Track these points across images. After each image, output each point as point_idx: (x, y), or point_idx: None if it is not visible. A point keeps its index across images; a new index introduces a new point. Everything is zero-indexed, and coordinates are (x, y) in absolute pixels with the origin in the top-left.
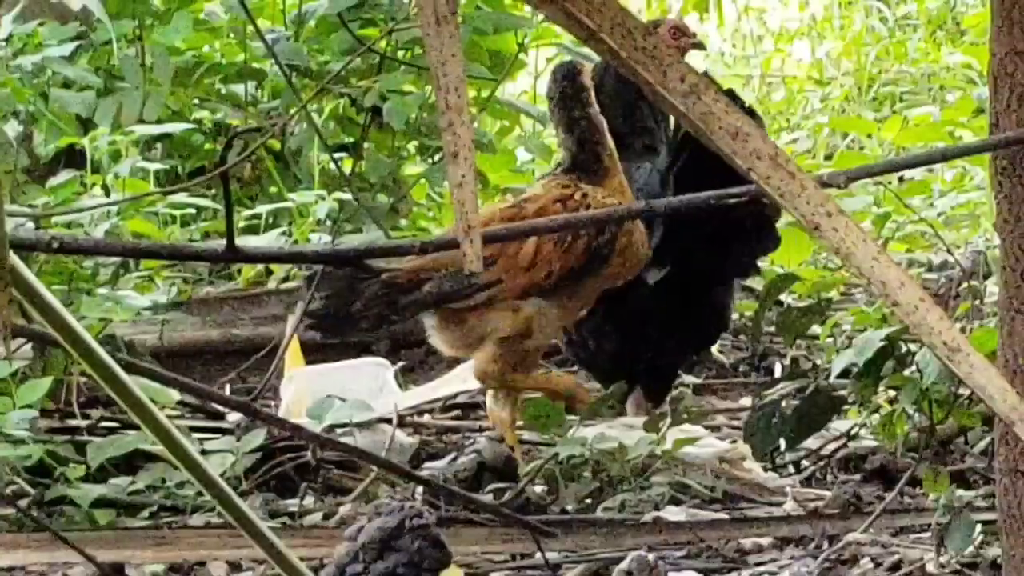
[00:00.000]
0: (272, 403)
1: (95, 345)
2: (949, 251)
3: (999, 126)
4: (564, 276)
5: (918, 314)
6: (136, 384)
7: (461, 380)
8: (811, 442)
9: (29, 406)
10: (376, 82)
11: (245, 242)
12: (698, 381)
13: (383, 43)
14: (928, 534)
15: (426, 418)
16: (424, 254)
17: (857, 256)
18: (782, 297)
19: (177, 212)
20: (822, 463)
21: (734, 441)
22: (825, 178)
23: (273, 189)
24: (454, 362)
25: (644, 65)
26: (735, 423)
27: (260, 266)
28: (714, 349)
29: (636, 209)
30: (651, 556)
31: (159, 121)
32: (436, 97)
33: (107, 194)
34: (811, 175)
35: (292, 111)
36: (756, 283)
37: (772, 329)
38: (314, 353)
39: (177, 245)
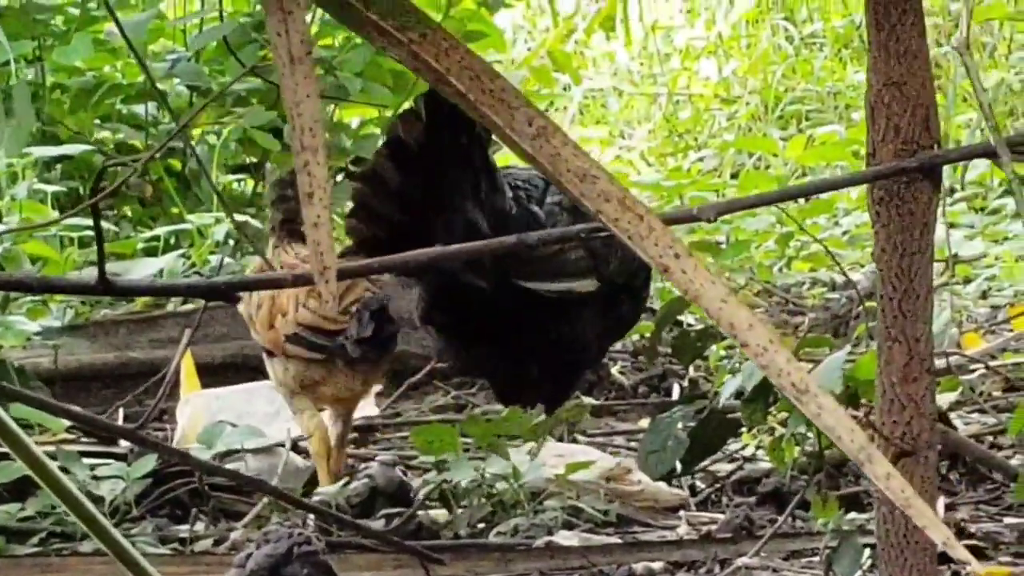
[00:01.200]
0: (168, 427)
1: None
2: (843, 273)
3: (876, 156)
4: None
5: (767, 355)
6: (25, 412)
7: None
8: (707, 464)
9: None
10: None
11: (143, 264)
12: (597, 402)
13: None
14: (818, 558)
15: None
16: (296, 287)
17: (706, 297)
18: (681, 318)
19: (75, 234)
20: (717, 485)
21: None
22: (695, 212)
23: (174, 210)
24: None
25: (493, 108)
26: (633, 444)
27: None
28: (614, 370)
29: (509, 243)
30: None
31: (59, 142)
32: (291, 137)
33: (0, 218)
34: (682, 209)
35: (194, 131)
36: (656, 303)
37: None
38: (211, 376)
39: (48, 278)
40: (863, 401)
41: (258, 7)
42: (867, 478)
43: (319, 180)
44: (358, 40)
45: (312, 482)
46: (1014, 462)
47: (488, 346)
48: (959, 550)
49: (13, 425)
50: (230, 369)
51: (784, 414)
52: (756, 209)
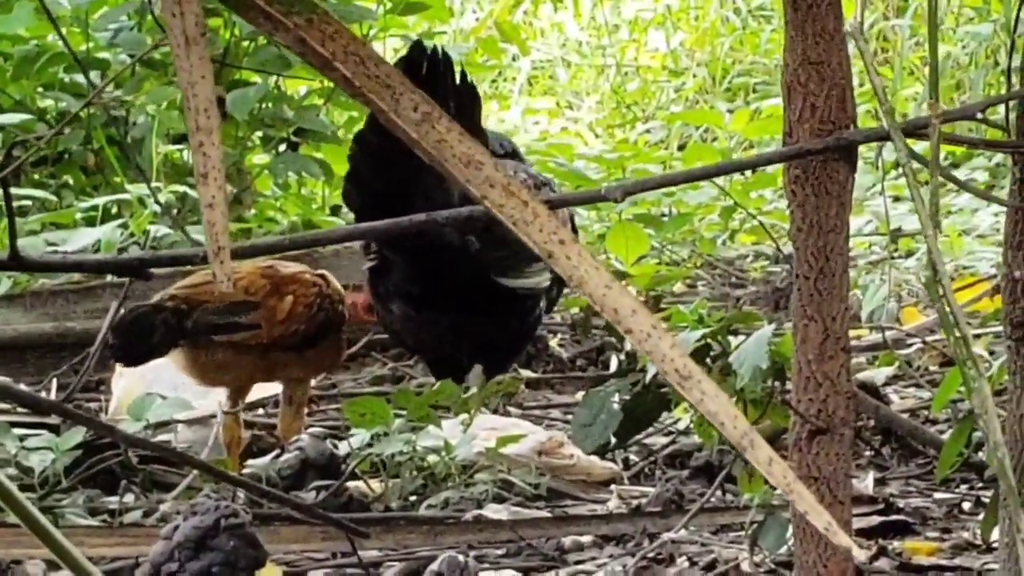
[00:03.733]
0: (103, 398)
1: None
2: (779, 248)
3: (793, 135)
4: (307, 336)
5: (651, 341)
6: None
7: None
8: (642, 438)
9: None
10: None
11: (81, 234)
12: (535, 375)
13: (224, 34)
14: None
15: (260, 412)
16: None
17: (591, 284)
18: None
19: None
20: (651, 459)
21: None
22: (603, 192)
23: (116, 179)
24: None
25: (377, 94)
26: (570, 417)
27: None
28: (552, 343)
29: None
30: (465, 557)
31: (0, 111)
32: (186, 118)
33: None
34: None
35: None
36: None
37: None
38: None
39: None
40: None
41: None
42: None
43: (214, 160)
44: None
45: (246, 453)
46: (945, 437)
47: (452, 315)
48: (840, 536)
49: None
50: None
51: None
52: (699, 182)
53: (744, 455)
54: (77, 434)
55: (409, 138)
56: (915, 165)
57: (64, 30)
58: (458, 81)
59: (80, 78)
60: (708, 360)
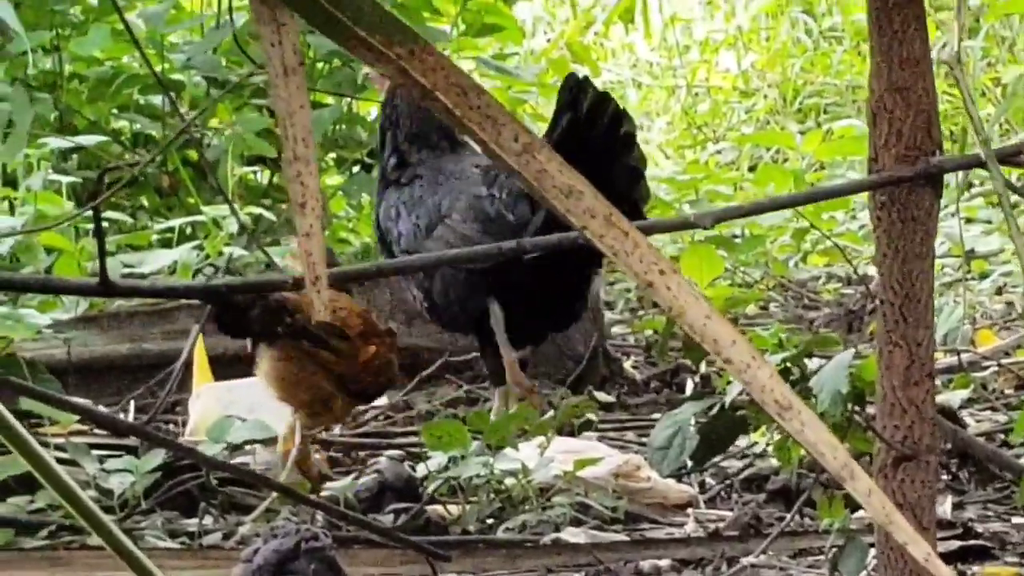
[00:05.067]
0: (180, 419)
1: None
2: (855, 271)
3: (878, 161)
4: (370, 389)
5: (750, 372)
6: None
7: None
8: (717, 461)
9: None
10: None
11: (157, 255)
12: (610, 398)
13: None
14: (825, 557)
15: (336, 431)
16: (298, 289)
17: (690, 314)
18: None
19: (90, 225)
20: (727, 482)
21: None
22: (692, 219)
23: (191, 201)
24: None
25: (479, 124)
26: (644, 439)
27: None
28: (626, 365)
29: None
30: None
31: (76, 132)
32: (284, 147)
33: (11, 210)
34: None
35: (211, 123)
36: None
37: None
38: (223, 368)
39: (50, 279)
40: (870, 400)
41: None
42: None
43: (311, 190)
44: None
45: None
46: (1023, 461)
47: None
48: (940, 567)
49: (12, 420)
50: (242, 361)
51: None
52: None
53: (844, 485)
54: (157, 456)
55: (510, 168)
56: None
57: (137, 53)
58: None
59: (156, 99)
60: (788, 384)
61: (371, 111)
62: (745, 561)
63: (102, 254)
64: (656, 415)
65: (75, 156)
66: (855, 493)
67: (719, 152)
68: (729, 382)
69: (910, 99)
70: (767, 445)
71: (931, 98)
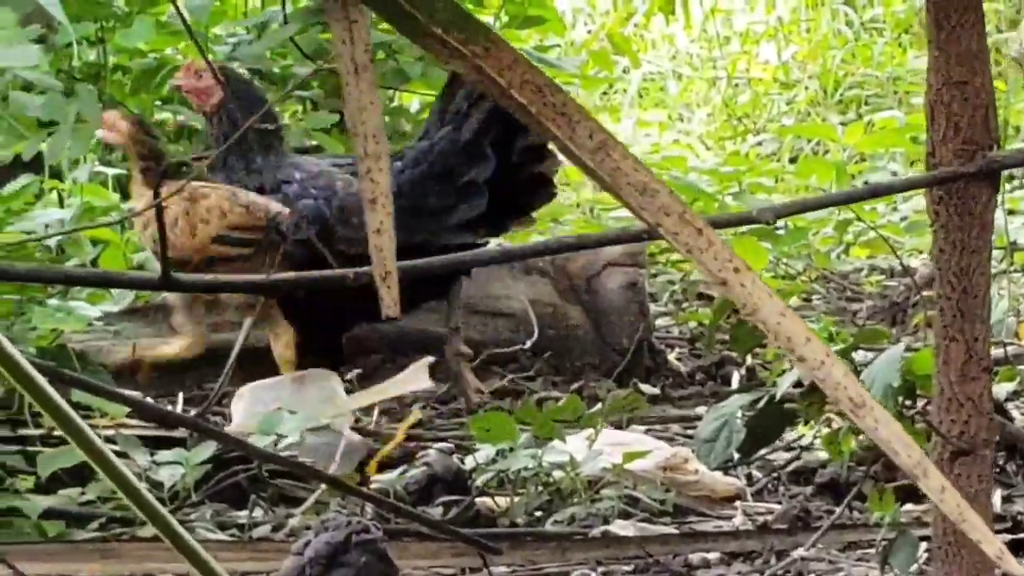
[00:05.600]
0: (227, 412)
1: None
2: (902, 263)
3: (935, 155)
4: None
5: (824, 369)
6: (85, 397)
7: (412, 380)
8: (764, 453)
9: None
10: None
11: None
12: (655, 390)
13: None
14: (875, 551)
15: (382, 421)
16: (357, 283)
17: (763, 312)
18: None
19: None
20: (774, 475)
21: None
22: (755, 214)
23: None
24: (406, 368)
25: (554, 122)
26: (689, 432)
27: None
28: (671, 356)
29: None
30: (594, 574)
31: None
32: (354, 144)
33: (60, 203)
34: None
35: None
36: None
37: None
38: (271, 361)
39: (111, 273)
40: (920, 394)
41: None
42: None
43: (382, 187)
44: None
45: (368, 460)
46: None
47: None
48: (1012, 564)
49: (69, 411)
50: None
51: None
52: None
53: (917, 483)
54: (208, 448)
55: (584, 166)
56: None
57: (182, 44)
58: None
59: None
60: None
61: (413, 103)
62: (795, 554)
63: (164, 250)
64: (701, 408)
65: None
66: (928, 491)
67: (759, 144)
68: (780, 375)
69: (967, 93)
70: (815, 438)
71: (988, 92)
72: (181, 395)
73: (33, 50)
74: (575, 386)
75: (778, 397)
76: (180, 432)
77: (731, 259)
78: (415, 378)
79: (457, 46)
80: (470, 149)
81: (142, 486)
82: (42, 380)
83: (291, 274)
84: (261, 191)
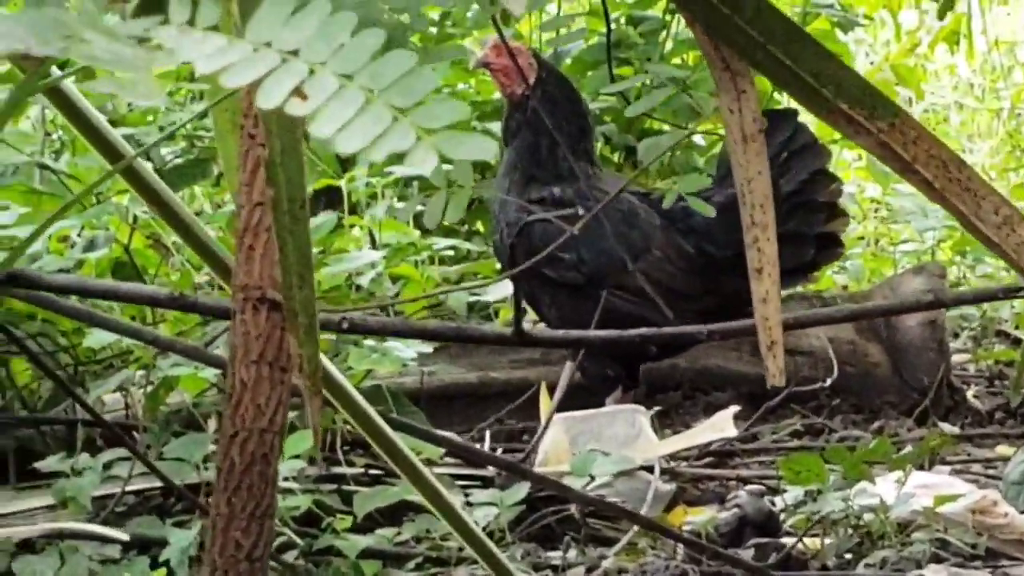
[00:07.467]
0: (525, 446)
1: (363, 402)
2: None
3: None
4: None
5: None
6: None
7: (718, 429)
8: None
9: (297, 456)
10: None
11: (500, 285)
12: (955, 429)
13: (637, 86)
14: None
15: (682, 465)
16: (711, 340)
17: None
18: None
19: (433, 253)
20: None
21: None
22: None
23: None
24: (709, 407)
25: (959, 197)
26: (991, 472)
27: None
28: (969, 394)
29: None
30: None
31: None
32: (741, 213)
33: (373, 243)
34: None
35: None
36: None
37: None
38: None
39: (464, 328)
40: None
41: (621, 25)
42: None
43: (769, 257)
44: None
45: (673, 504)
46: None
47: None
48: None
49: (408, 452)
50: (580, 391)
51: None
52: None
53: None
54: (522, 489)
55: (988, 240)
56: None
57: (473, 80)
58: None
59: (492, 126)
60: None
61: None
62: None
63: (517, 308)
64: (1001, 448)
65: (415, 183)
66: None
67: None
68: None
69: None
70: None
71: None
72: (488, 432)
73: (491, 145)
74: (875, 425)
75: None
76: (487, 472)
77: None
78: (721, 426)
79: (862, 122)
80: (793, 199)
81: (477, 527)
82: (383, 424)
83: (645, 330)
84: (560, 203)
